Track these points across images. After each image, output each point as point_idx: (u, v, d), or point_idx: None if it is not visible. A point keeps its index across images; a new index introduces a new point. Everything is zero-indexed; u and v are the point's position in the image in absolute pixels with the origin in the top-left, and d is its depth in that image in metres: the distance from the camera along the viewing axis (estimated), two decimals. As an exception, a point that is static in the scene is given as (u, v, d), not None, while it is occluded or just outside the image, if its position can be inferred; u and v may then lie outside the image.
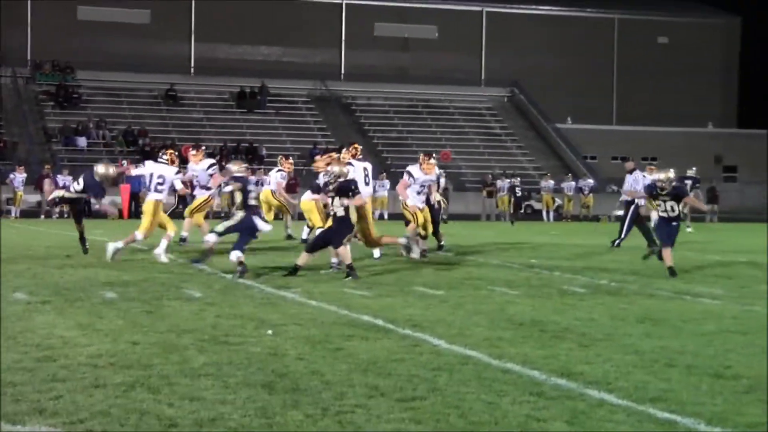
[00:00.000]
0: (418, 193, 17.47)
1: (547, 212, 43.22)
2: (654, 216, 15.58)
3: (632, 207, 22.08)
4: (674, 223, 15.13)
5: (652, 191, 15.42)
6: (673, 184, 15.33)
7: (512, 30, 63.00)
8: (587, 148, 58.34)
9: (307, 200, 18.05)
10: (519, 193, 42.51)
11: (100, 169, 16.08)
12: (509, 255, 18.92)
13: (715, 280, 14.24)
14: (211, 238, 14.31)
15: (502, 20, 63.76)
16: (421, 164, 17.54)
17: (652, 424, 5.76)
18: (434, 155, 18.25)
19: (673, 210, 15.08)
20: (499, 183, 44.02)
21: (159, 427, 5.45)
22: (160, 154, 17.47)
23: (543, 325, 9.37)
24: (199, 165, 19.51)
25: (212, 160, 20.52)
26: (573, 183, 44.31)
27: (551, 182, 44.06)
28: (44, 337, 8.26)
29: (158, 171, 16.57)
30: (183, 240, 19.30)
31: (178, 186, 17.44)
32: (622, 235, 22.08)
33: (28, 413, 5.69)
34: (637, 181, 22.83)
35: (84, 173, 16.25)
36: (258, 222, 14.19)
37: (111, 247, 15.65)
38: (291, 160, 22.50)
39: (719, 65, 66.91)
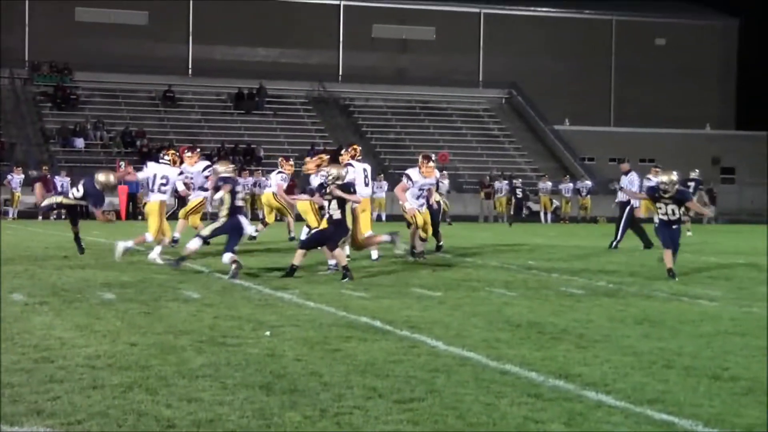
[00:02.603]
0: (417, 197, 17.12)
1: (545, 214, 43.26)
2: (655, 219, 15.46)
3: (627, 208, 22.28)
4: (675, 227, 14.97)
5: (654, 193, 15.23)
6: (677, 187, 15.10)
7: (510, 31, 62.97)
8: (585, 150, 58.31)
9: (304, 201, 17.96)
10: (520, 195, 42.57)
11: (100, 177, 15.71)
12: (507, 256, 18.92)
13: (712, 281, 14.25)
14: (194, 244, 14.26)
15: (500, 22, 63.74)
16: (420, 167, 17.24)
17: (650, 425, 5.76)
18: (433, 158, 17.97)
19: (674, 213, 14.90)
20: (496, 184, 44.08)
21: (157, 428, 5.45)
22: (161, 155, 17.42)
23: (541, 327, 9.36)
24: (195, 167, 19.26)
25: (207, 162, 20.11)
26: (571, 185, 44.35)
27: (549, 184, 44.12)
28: (42, 338, 8.25)
29: (162, 172, 16.53)
30: (175, 241, 19.15)
31: (180, 187, 17.43)
32: (619, 237, 22.23)
33: (26, 414, 5.68)
34: (632, 182, 22.96)
35: (84, 180, 15.91)
36: (244, 223, 14.21)
37: (121, 246, 15.54)
38: (291, 162, 22.03)
39: (717, 67, 66.92)
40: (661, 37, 66.12)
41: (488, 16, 64.11)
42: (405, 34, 62.81)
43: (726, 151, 62.88)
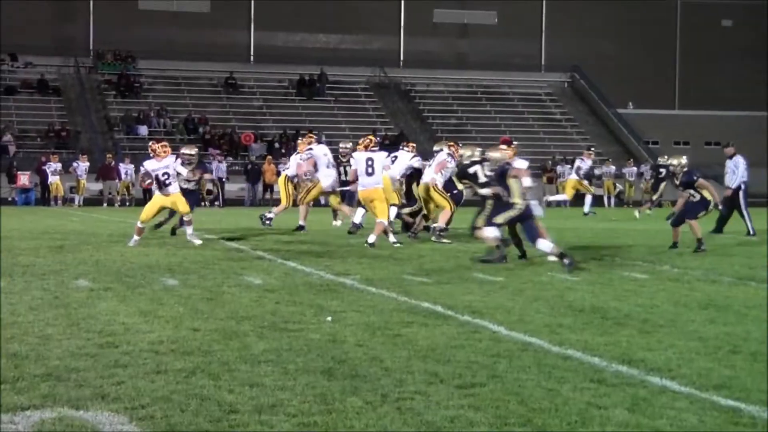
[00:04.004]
0: None
1: (608, 198, 42.90)
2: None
3: (741, 192, 21.87)
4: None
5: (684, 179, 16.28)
6: (684, 169, 16.03)
7: (572, 15, 62.33)
8: (649, 133, 57.69)
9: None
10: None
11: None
12: (569, 240, 18.76)
13: (780, 266, 14.00)
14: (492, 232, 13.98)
15: (562, 5, 63.11)
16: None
17: (715, 411, 5.66)
18: (515, 143, 16.94)
19: (694, 197, 15.95)
20: (559, 169, 43.80)
21: (219, 413, 5.48)
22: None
23: (604, 312, 9.27)
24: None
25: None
26: (634, 168, 43.90)
27: (612, 168, 43.74)
28: (106, 323, 8.35)
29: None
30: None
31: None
32: (749, 223, 21.37)
33: (90, 398, 5.75)
34: (737, 165, 22.34)
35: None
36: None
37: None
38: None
39: (784, 48, 65.71)
40: (727, 18, 65.05)
41: (550, -2, 63.56)
42: (466, 18, 62.50)
43: (792, 134, 61.75)
